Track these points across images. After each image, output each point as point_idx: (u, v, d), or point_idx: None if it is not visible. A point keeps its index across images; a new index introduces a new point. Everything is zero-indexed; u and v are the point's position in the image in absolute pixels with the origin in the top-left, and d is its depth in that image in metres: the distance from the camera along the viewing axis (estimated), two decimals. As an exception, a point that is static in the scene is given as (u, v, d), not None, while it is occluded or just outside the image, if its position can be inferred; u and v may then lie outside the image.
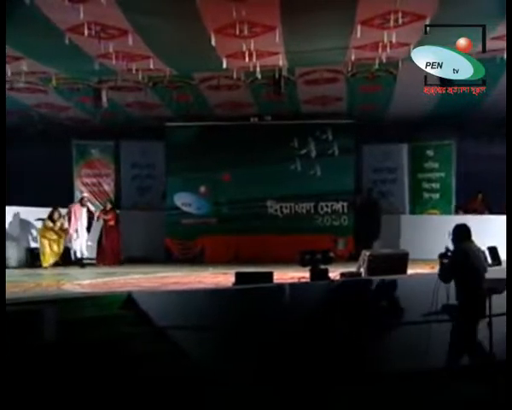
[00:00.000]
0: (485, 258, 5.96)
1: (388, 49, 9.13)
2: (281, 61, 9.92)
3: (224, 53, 9.50)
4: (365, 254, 8.68)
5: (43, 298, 6.89)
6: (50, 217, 12.92)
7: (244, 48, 9.15)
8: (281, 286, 7.35)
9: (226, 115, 13.91)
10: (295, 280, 8.12)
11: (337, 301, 6.85)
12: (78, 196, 14.97)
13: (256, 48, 9.20)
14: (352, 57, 9.70)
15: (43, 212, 13.26)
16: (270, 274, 8.02)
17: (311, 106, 13.50)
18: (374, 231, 13.48)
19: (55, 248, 12.82)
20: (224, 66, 9.80)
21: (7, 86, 11.03)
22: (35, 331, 5.46)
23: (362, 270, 8.47)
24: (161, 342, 6.20)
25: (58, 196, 13.74)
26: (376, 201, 14.26)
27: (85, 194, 13.97)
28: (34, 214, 13.23)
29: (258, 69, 10.10)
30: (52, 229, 12.82)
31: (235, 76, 10.72)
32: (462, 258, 5.66)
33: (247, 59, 9.54)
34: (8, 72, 10.01)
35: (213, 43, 8.79)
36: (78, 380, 5.16)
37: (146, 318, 6.49)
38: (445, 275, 5.66)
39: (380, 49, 9.22)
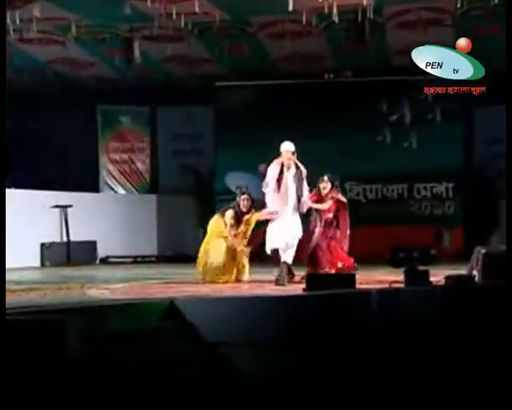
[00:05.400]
0: None
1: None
2: (365, -2, 9.89)
3: (290, -11, 9.53)
4: (480, 251, 8.60)
5: (66, 306, 7.09)
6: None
7: (317, -18, 9.16)
8: (366, 293, 7.35)
9: (293, 71, 13.96)
10: (385, 285, 8.12)
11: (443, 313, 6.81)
12: (104, 176, 15.30)
13: (333, -18, 9.20)
14: (463, -12, 9.57)
15: (61, 196, 13.57)
16: (352, 277, 8.05)
17: (405, 57, 13.29)
18: (491, 221, 13.27)
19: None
20: (291, 7, 9.82)
21: (16, 37, 11.38)
22: (55, 347, 5.61)
23: (475, 272, 8.40)
24: (212, 362, 6.30)
25: (79, 178, 14.10)
26: (494, 182, 14.03)
27: (287, 145, 10.18)
28: (49, 200, 13.56)
29: (335, 11, 10.08)
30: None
31: (304, 20, 10.72)
32: None
33: (320, -3, 9.55)
34: (17, 18, 10.32)
35: (277, -24, 8.82)
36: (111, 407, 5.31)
37: (193, 331, 6.60)
38: None
39: (503, -25, 9.05)
